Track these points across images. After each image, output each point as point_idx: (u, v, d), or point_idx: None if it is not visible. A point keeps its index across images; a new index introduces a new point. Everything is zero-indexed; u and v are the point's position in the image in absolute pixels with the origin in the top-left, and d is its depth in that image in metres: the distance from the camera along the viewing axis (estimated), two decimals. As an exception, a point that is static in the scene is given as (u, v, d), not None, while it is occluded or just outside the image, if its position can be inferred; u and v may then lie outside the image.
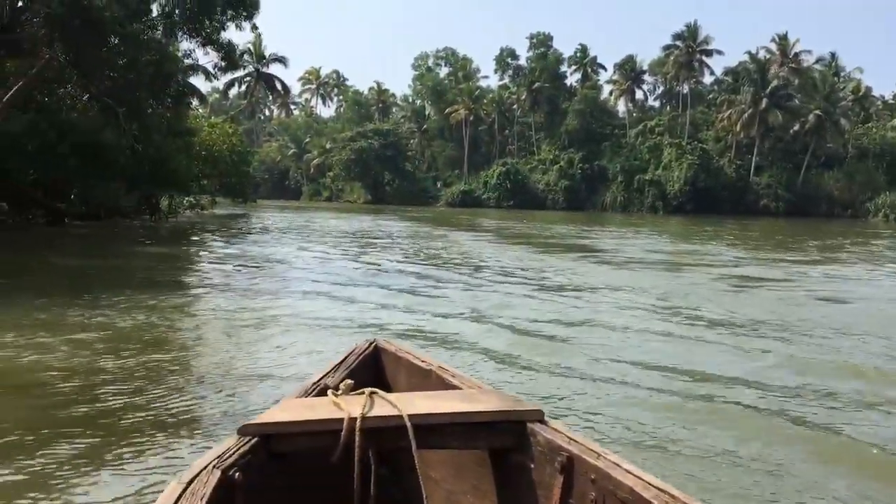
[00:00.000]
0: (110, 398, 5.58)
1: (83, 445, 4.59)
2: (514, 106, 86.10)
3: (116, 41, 20.07)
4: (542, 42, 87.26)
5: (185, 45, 25.11)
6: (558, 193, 76.97)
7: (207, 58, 26.44)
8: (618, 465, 2.29)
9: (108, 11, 18.63)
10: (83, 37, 18.96)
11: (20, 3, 22.37)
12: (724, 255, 22.25)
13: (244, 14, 23.67)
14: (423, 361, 3.35)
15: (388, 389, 3.18)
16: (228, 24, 23.80)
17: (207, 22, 23.07)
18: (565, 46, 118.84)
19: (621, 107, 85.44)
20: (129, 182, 24.52)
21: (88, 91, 22.48)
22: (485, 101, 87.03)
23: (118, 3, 19.61)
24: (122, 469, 4.27)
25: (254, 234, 27.46)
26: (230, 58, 25.26)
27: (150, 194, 29.62)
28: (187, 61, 26.46)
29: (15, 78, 21.27)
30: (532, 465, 2.63)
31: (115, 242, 22.26)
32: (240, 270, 15.11)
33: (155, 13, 22.92)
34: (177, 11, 22.70)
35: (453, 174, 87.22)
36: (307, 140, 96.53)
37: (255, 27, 25.55)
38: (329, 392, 2.82)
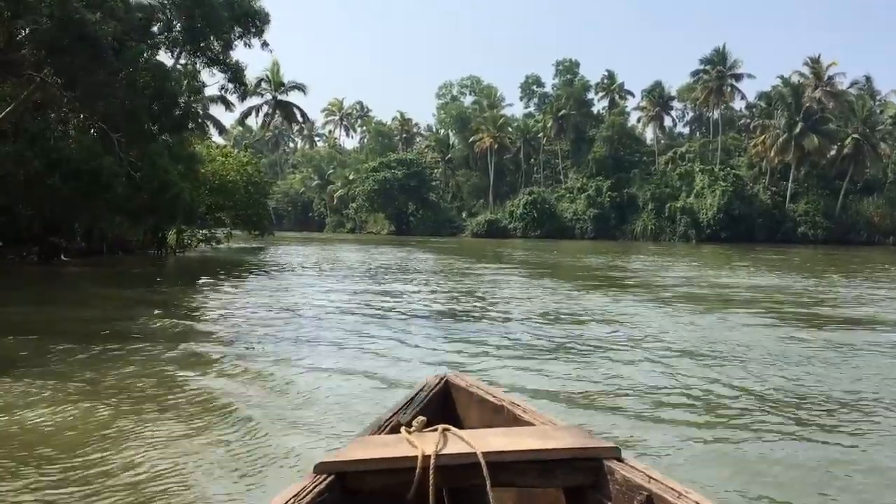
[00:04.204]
0: None
1: None
2: (540, 134, 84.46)
3: (114, 61, 18.30)
4: (568, 69, 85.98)
5: (192, 67, 23.38)
6: (587, 222, 75.10)
7: (214, 79, 24.64)
8: None
9: (104, 25, 16.96)
10: (77, 57, 17.36)
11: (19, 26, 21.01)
12: (806, 291, 19.38)
13: (253, 30, 22.09)
14: (494, 397, 3.26)
15: (460, 425, 3.11)
16: (237, 42, 22.20)
17: (214, 40, 21.44)
18: (591, 73, 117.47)
19: (650, 133, 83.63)
20: (128, 213, 22.52)
21: (84, 116, 20.87)
22: (510, 129, 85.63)
23: (115, 20, 18.02)
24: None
25: (266, 273, 25.12)
26: (238, 78, 23.45)
27: (155, 227, 27.72)
28: (198, 86, 24.72)
29: (8, 104, 19.82)
30: None
31: (96, 283, 19.82)
32: (242, 324, 12.80)
33: (158, 32, 21.39)
34: (178, 28, 21.10)
35: (478, 204, 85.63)
36: (330, 171, 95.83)
37: (265, 44, 23.66)
38: (402, 429, 2.76)
